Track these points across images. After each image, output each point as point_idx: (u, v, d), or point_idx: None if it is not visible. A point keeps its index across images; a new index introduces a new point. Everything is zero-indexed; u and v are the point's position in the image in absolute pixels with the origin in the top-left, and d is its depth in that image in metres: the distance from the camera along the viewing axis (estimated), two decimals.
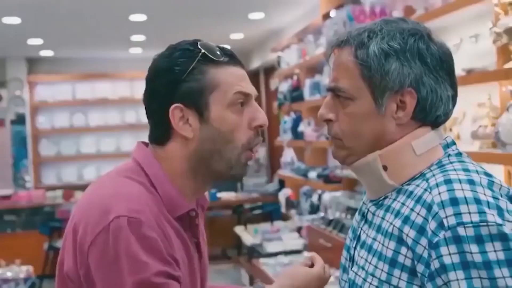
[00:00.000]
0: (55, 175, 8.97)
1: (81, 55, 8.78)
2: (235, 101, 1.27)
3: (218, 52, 1.29)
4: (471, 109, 2.80)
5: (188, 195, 1.32)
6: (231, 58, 1.31)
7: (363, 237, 1.25)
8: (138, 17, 6.21)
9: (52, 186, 8.44)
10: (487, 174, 1.13)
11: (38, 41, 7.47)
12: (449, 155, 1.20)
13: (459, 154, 1.22)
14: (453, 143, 1.24)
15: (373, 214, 1.23)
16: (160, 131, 1.30)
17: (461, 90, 2.76)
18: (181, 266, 1.23)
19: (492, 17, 2.53)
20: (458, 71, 2.61)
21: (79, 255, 1.18)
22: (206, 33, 7.55)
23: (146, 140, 1.36)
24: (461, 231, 1.01)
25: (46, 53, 8.47)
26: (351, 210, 4.07)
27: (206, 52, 1.27)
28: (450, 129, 2.84)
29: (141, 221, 1.16)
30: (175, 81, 1.25)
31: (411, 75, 1.16)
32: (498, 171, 2.53)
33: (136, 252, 1.13)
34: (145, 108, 1.33)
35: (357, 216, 1.35)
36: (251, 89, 1.31)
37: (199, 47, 1.27)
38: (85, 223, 1.19)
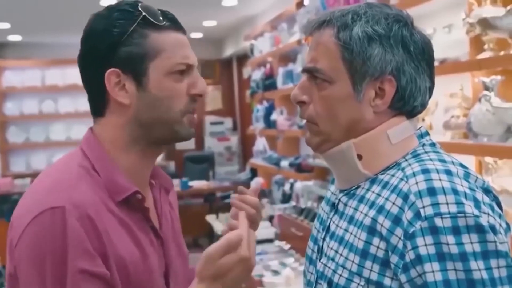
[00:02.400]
0: (24, 162, 8.81)
1: (50, 40, 8.62)
2: (176, 70, 1.23)
3: (159, 16, 1.23)
4: (443, 99, 2.81)
5: (136, 171, 1.27)
6: (173, 22, 1.26)
7: (332, 227, 1.22)
8: (109, 2, 6.08)
9: (20, 174, 8.31)
10: (462, 166, 1.12)
11: (5, 25, 7.32)
12: (424, 144, 1.19)
13: (433, 144, 1.20)
14: (427, 133, 1.23)
15: (345, 205, 1.21)
16: (97, 99, 1.26)
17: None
18: (118, 256, 1.16)
19: (466, 7, 2.53)
20: None
21: (9, 251, 1.16)
22: (178, 19, 7.46)
23: None
24: (438, 221, 0.99)
25: (14, 37, 8.30)
26: (323, 199, 4.07)
27: (147, 15, 1.21)
28: (423, 119, 2.84)
29: (65, 210, 1.11)
30: (113, 44, 1.19)
31: (392, 62, 1.13)
32: (470, 162, 2.55)
33: (58, 247, 1.09)
34: (80, 74, 1.27)
35: (325, 207, 1.33)
36: (193, 59, 1.27)
37: (140, 9, 1.22)
38: (15, 218, 1.17)
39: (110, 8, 1.25)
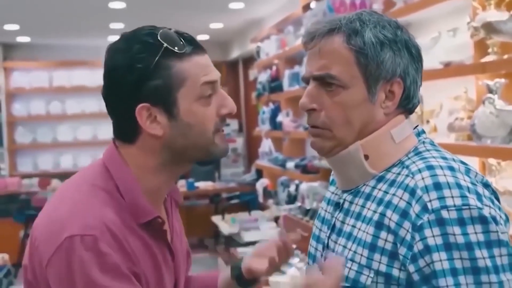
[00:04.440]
0: (31, 162, 8.88)
1: (58, 42, 8.67)
2: (203, 94, 1.22)
3: (180, 43, 1.21)
4: (448, 102, 2.84)
5: (157, 192, 1.28)
6: (194, 46, 1.23)
7: (338, 225, 1.27)
8: (117, 5, 6.15)
9: (28, 174, 8.37)
10: (462, 162, 1.18)
11: (14, 27, 7.36)
12: (424, 142, 1.25)
13: (432, 142, 1.27)
14: (423, 131, 1.30)
15: (351, 203, 1.25)
16: (127, 130, 1.24)
17: (439, 83, 2.79)
18: (145, 276, 1.19)
19: (470, 11, 2.57)
20: (436, 64, 2.66)
21: (39, 271, 1.16)
22: (185, 22, 7.51)
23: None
24: (444, 214, 1.06)
25: (23, 39, 8.35)
26: None
27: (168, 45, 1.19)
28: (428, 121, 2.88)
29: (96, 237, 1.12)
30: (139, 80, 1.18)
31: (401, 65, 1.20)
32: (473, 163, 2.58)
33: (91, 274, 1.10)
34: (107, 107, 1.25)
35: (326, 207, 1.37)
36: (215, 74, 1.26)
37: (160, 39, 1.19)
38: (43, 240, 1.16)
39: (128, 40, 1.22)
